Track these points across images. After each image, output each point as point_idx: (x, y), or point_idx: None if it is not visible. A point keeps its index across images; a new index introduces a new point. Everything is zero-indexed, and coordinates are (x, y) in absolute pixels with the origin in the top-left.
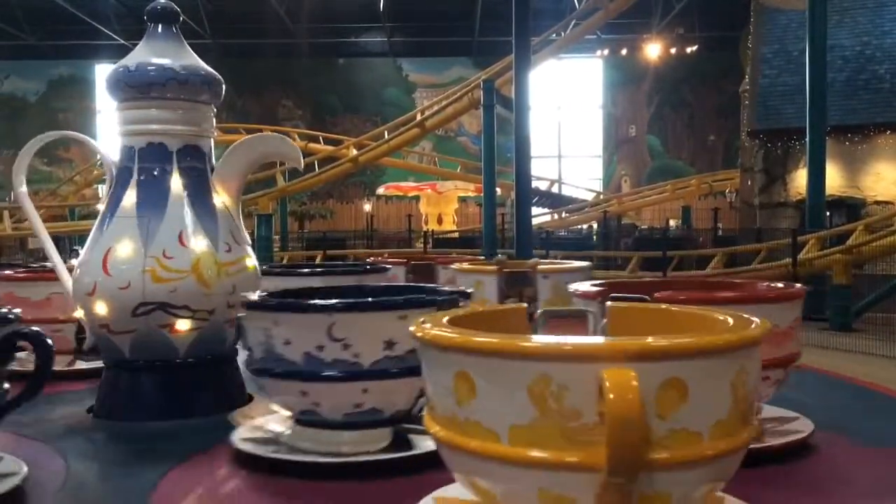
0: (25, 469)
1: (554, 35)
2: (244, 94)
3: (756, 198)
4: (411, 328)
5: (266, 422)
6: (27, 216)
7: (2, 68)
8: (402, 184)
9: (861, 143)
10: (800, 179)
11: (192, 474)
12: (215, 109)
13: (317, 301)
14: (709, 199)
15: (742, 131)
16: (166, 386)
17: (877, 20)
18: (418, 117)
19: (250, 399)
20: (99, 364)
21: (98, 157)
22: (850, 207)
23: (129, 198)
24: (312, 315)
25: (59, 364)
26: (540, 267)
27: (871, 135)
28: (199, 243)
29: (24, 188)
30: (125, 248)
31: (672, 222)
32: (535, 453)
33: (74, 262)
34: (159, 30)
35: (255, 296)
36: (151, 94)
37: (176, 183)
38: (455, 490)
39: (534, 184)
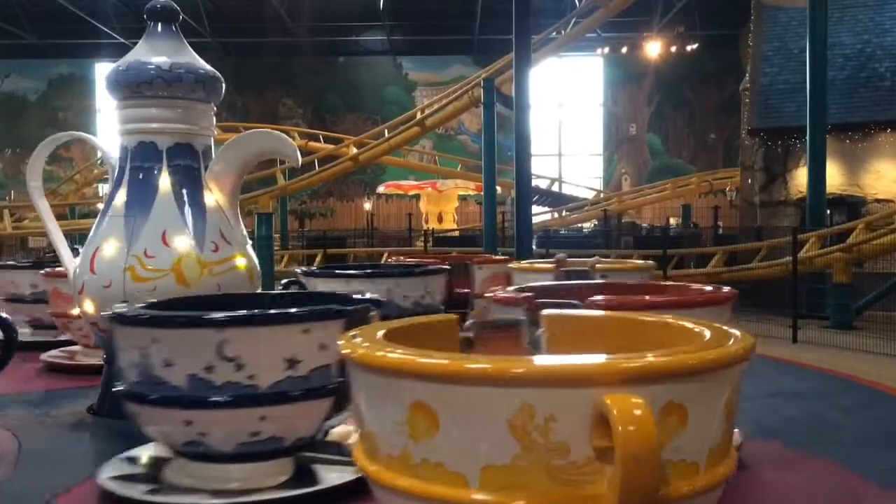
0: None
1: (554, 33)
2: (244, 93)
3: (756, 196)
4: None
5: (141, 451)
6: (41, 216)
7: (2, 67)
8: (403, 182)
9: (861, 141)
10: (800, 178)
11: None
12: (215, 108)
13: (203, 314)
14: (709, 198)
15: (742, 129)
16: None
17: (877, 18)
18: (418, 116)
19: None
20: None
21: (99, 155)
22: (851, 206)
23: (120, 197)
24: (198, 331)
25: (95, 358)
26: (599, 266)
27: (871, 133)
28: (182, 242)
29: (40, 188)
30: (110, 247)
31: (672, 220)
32: (515, 499)
33: (77, 260)
34: (159, 28)
35: (123, 308)
36: (142, 92)
37: (165, 182)
38: None
39: (534, 182)
